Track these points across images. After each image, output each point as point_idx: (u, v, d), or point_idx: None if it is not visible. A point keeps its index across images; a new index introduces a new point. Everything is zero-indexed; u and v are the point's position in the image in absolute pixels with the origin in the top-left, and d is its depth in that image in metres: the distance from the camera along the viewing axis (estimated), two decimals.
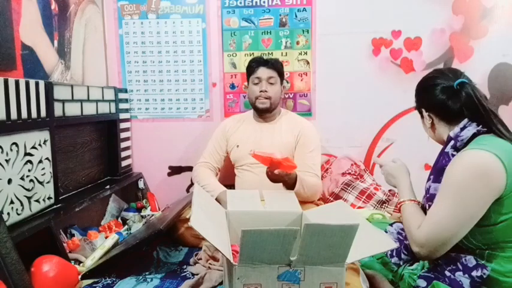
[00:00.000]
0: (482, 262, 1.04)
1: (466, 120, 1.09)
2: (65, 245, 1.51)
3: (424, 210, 1.16)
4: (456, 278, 1.05)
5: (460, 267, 1.05)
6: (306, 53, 2.25)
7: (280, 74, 1.94)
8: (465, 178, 1.00)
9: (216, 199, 1.72)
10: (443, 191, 1.05)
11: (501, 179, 0.98)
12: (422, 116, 1.23)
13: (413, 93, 1.26)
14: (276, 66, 1.91)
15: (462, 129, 1.09)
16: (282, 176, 1.56)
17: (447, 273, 1.08)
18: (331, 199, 2.06)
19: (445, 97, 1.11)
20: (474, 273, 1.03)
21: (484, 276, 1.02)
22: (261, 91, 1.88)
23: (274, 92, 1.89)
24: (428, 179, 1.16)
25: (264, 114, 1.94)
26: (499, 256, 1.02)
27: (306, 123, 1.97)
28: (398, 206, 1.22)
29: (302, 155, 1.86)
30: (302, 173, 1.76)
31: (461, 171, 1.01)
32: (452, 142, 1.10)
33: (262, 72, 1.90)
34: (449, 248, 1.05)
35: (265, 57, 2.01)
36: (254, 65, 1.92)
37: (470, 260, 1.04)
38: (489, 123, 1.07)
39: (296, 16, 2.22)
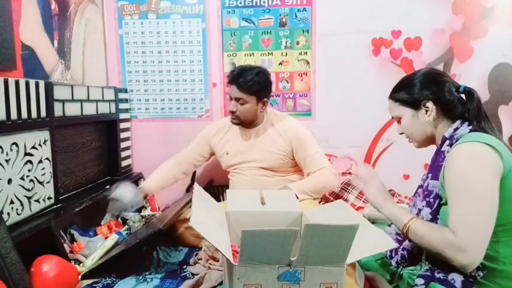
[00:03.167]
0: None
1: (459, 121, 1.14)
2: (66, 246, 1.51)
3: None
4: (447, 278, 1.05)
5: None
6: (306, 53, 2.25)
7: (255, 93, 1.76)
8: (468, 170, 1.03)
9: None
10: (454, 190, 1.05)
11: (498, 162, 1.02)
12: (417, 109, 1.18)
13: None
14: (247, 89, 1.73)
15: (456, 129, 1.13)
16: None
17: (437, 275, 1.07)
18: (331, 199, 2.06)
19: (455, 97, 1.15)
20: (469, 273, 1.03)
21: (478, 278, 1.02)
22: (230, 109, 1.80)
23: (243, 111, 1.77)
24: (426, 178, 1.18)
25: (242, 126, 1.88)
26: (493, 242, 1.02)
27: (292, 122, 1.89)
28: (405, 230, 1.10)
29: (307, 157, 1.82)
30: (317, 172, 1.78)
31: (462, 166, 1.04)
32: (447, 141, 1.13)
33: (233, 91, 1.77)
34: (487, 244, 1.01)
35: (246, 67, 1.81)
36: (230, 78, 1.78)
37: None
38: (484, 126, 1.11)
39: (296, 16, 2.22)
